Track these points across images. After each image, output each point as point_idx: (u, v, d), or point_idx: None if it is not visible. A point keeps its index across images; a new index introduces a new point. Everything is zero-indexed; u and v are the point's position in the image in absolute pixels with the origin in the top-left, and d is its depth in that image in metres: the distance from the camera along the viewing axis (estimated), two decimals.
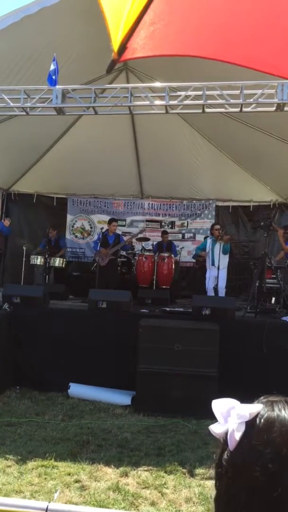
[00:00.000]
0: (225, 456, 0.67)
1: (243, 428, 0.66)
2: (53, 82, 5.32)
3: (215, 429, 0.70)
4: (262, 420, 0.67)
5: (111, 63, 1.13)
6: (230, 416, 0.68)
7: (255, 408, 0.68)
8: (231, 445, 0.66)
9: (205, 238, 9.44)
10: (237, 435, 0.66)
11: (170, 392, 4.94)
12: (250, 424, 0.67)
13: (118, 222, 10.96)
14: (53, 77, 5.40)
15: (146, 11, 1.05)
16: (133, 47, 1.10)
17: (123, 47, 1.08)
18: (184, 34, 1.20)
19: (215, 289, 8.02)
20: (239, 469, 0.65)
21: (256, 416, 0.67)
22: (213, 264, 8.02)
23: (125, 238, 9.05)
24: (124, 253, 9.53)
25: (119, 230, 10.08)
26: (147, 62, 6.57)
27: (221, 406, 0.70)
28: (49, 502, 1.36)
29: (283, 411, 0.67)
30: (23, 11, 5.16)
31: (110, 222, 8.94)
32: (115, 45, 1.08)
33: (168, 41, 1.21)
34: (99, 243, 8.40)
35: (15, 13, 5.18)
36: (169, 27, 1.15)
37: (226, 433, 0.68)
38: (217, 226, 8.41)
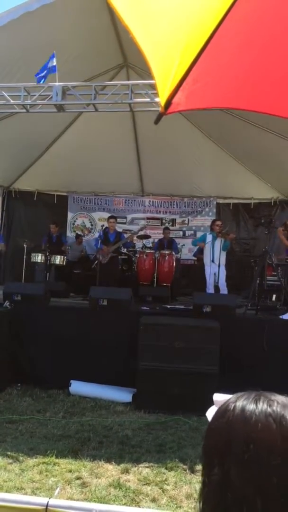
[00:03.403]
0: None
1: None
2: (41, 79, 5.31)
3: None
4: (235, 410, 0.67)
5: (158, 116, 1.36)
6: None
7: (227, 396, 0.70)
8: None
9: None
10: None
11: (171, 389, 4.94)
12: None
13: (119, 219, 11.00)
14: (55, 74, 5.39)
15: (189, 73, 1.25)
16: (177, 102, 1.30)
17: (169, 103, 1.29)
18: (220, 90, 1.43)
19: (216, 286, 8.01)
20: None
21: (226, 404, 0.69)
22: (213, 260, 8.00)
23: (126, 236, 9.04)
24: (125, 250, 9.53)
25: (119, 228, 10.08)
26: None
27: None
28: (50, 498, 1.37)
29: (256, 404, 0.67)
30: (23, 8, 5.15)
31: (108, 219, 8.94)
32: (162, 100, 1.29)
33: (207, 96, 1.44)
34: (99, 241, 8.38)
35: (15, 10, 5.17)
36: (207, 86, 1.37)
37: None
38: (219, 222, 8.39)
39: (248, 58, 1.35)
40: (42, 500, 1.37)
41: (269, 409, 0.65)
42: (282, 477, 0.60)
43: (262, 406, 0.65)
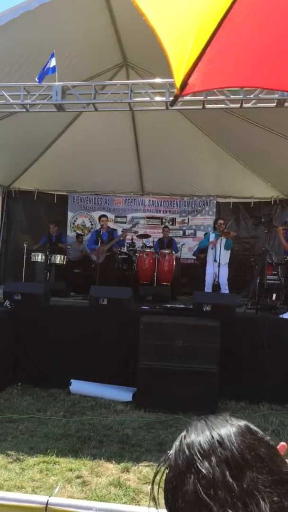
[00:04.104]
0: None
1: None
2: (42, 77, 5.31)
3: None
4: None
5: (174, 98, 1.38)
6: None
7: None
8: None
9: (205, 234, 9.44)
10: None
11: (171, 388, 4.95)
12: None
13: (119, 219, 11.02)
14: (55, 74, 5.39)
15: (204, 53, 1.23)
16: (193, 83, 1.28)
17: (184, 84, 1.27)
18: (236, 69, 1.41)
19: (216, 285, 8.01)
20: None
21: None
22: (215, 260, 8.00)
23: (118, 234, 8.99)
24: (125, 249, 9.54)
25: (119, 227, 10.08)
26: (148, 58, 6.56)
27: None
28: (50, 497, 1.37)
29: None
30: (22, 7, 5.16)
31: (100, 218, 8.91)
32: (178, 82, 1.27)
33: (223, 76, 1.43)
34: (99, 241, 8.36)
35: (15, 10, 5.17)
36: (223, 65, 1.35)
37: None
38: (221, 221, 8.39)
39: (264, 36, 1.33)
40: (42, 498, 1.38)
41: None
42: (240, 447, 0.68)
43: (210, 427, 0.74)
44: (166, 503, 0.71)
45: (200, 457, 0.68)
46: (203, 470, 0.67)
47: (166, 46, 1.21)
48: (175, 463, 0.72)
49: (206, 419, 0.75)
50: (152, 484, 0.75)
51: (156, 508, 0.75)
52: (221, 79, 1.46)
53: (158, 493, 0.74)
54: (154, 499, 0.74)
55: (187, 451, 0.71)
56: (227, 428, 0.71)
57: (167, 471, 0.73)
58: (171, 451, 0.74)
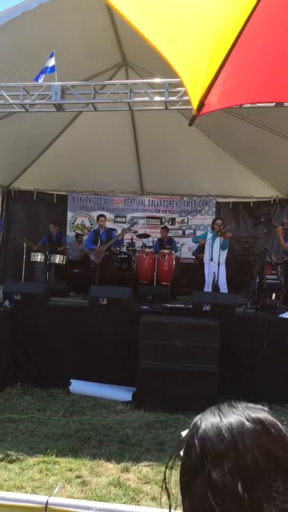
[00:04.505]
0: None
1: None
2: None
3: None
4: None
5: (192, 118, 1.40)
6: None
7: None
8: None
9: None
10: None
11: (171, 388, 4.95)
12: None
13: (118, 219, 11.01)
14: (54, 73, 5.39)
15: (219, 75, 1.26)
16: (209, 103, 1.32)
17: (201, 105, 1.31)
18: (252, 86, 1.44)
19: (216, 285, 8.01)
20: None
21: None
22: (211, 259, 8.00)
23: (116, 234, 8.98)
24: (124, 249, 9.53)
25: (119, 227, 10.08)
26: (147, 58, 6.55)
27: None
28: (49, 497, 1.37)
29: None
30: (22, 7, 5.15)
31: (98, 218, 8.91)
32: (194, 103, 1.31)
33: (239, 94, 1.47)
34: (98, 241, 8.35)
35: (14, 9, 5.17)
36: (239, 84, 1.39)
37: None
38: (219, 221, 8.38)
39: (276, 52, 1.35)
40: (42, 498, 1.38)
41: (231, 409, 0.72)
42: (254, 456, 0.65)
43: (225, 413, 0.71)
44: (181, 492, 0.71)
45: (211, 461, 0.66)
46: (214, 477, 0.65)
47: (178, 70, 1.22)
48: (188, 459, 0.70)
49: (220, 412, 0.71)
50: (164, 481, 0.73)
51: (169, 499, 0.73)
52: (237, 97, 1.50)
53: (167, 488, 0.74)
54: (167, 493, 0.73)
55: (199, 449, 0.68)
56: (243, 427, 0.67)
57: (180, 469, 0.72)
58: (184, 444, 0.72)
